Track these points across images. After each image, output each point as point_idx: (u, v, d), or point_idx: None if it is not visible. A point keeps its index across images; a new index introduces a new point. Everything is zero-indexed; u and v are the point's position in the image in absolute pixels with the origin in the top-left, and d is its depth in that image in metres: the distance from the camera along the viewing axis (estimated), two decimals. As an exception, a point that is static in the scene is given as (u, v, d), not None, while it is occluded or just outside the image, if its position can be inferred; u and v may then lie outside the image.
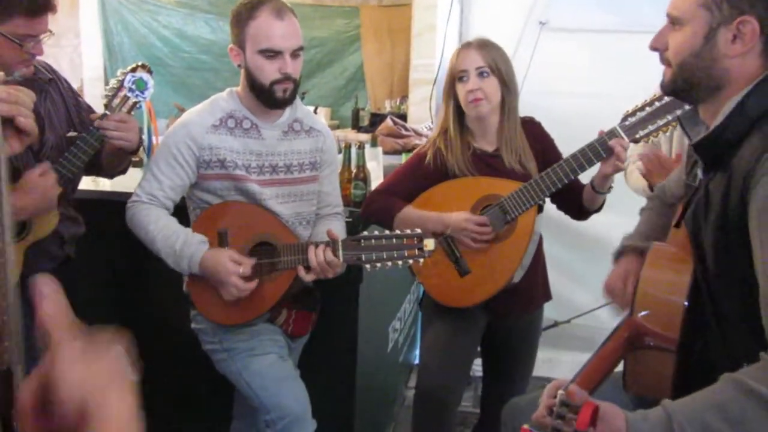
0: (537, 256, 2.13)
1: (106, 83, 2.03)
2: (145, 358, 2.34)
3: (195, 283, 1.86)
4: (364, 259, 1.79)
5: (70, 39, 6.14)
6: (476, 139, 2.07)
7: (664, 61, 1.25)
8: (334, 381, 2.34)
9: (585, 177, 2.02)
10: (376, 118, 4.59)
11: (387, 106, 5.21)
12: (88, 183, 2.24)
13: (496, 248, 2.02)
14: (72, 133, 1.94)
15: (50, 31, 1.80)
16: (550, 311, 3.27)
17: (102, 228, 2.10)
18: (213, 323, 1.90)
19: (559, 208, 2.18)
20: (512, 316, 2.15)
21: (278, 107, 1.87)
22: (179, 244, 1.78)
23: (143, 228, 1.81)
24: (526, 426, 0.97)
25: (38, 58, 1.87)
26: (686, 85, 1.21)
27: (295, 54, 1.80)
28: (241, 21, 1.80)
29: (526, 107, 2.94)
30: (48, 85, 1.95)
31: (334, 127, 5.33)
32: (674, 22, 1.20)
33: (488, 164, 2.05)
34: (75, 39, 6.15)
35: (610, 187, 2.01)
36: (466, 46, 2.02)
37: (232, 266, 1.76)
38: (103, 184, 2.42)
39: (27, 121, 0.98)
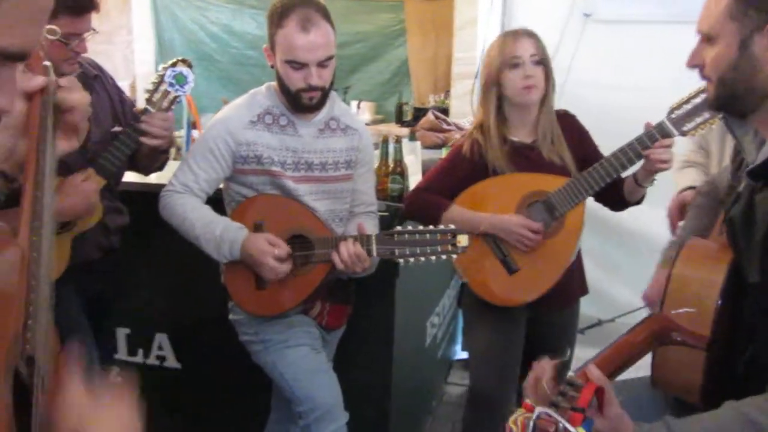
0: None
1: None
2: (185, 347, 2.41)
3: (231, 274, 1.89)
4: (397, 253, 1.79)
5: (122, 36, 6.31)
6: (513, 130, 2.04)
7: (705, 77, 1.21)
8: (370, 374, 2.35)
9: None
10: (420, 113, 4.57)
11: (431, 101, 5.17)
12: (133, 175, 2.31)
13: (544, 245, 2.00)
14: (117, 128, 2.00)
15: (94, 30, 1.86)
16: (593, 308, 3.22)
17: (146, 219, 2.16)
18: (249, 314, 1.93)
19: (597, 200, 2.14)
20: (551, 311, 2.12)
21: (305, 112, 1.88)
22: (219, 230, 1.81)
23: (179, 216, 1.84)
24: (528, 401, 0.97)
25: (84, 55, 1.94)
26: (731, 99, 1.17)
27: (322, 64, 1.79)
28: (272, 25, 1.81)
29: (570, 100, 2.89)
30: (93, 82, 2.01)
31: (378, 122, 5.34)
32: (706, 38, 1.17)
33: (526, 156, 2.02)
34: (128, 36, 6.31)
35: (653, 180, 1.96)
36: (515, 34, 2.01)
37: (269, 247, 1.78)
38: (148, 177, 2.49)
39: (80, 119, 1.02)
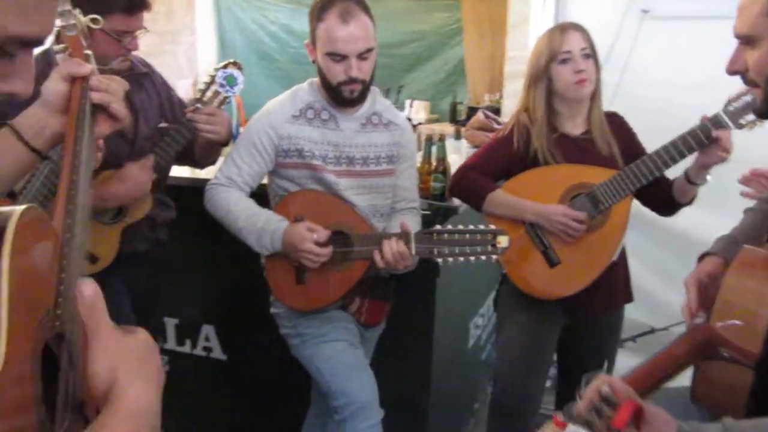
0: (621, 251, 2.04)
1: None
2: (230, 339, 2.46)
3: (272, 268, 1.92)
4: (436, 252, 1.79)
5: (186, 36, 6.51)
6: (563, 123, 2.01)
7: (750, 82, 1.15)
8: (409, 373, 2.34)
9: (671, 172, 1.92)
10: (474, 112, 4.53)
11: (486, 100, 5.12)
12: (180, 170, 2.37)
13: (587, 239, 1.96)
14: (163, 124, 2.06)
15: (145, 28, 1.93)
16: (646, 316, 3.12)
17: (192, 213, 2.22)
18: (288, 308, 1.96)
19: (645, 203, 2.07)
20: (591, 315, 2.06)
21: (346, 106, 1.89)
22: (261, 222, 1.85)
23: (223, 208, 1.89)
24: (557, 415, 0.93)
25: (146, 55, 2.01)
26: None
27: (362, 56, 1.80)
28: (313, 20, 1.84)
29: (625, 100, 2.82)
30: (143, 79, 2.08)
31: (432, 121, 5.32)
32: (746, 40, 1.11)
33: (577, 147, 1.99)
34: (191, 36, 6.50)
35: (706, 178, 1.89)
36: (565, 28, 1.98)
37: (308, 233, 1.80)
38: (194, 172, 2.56)
39: (118, 107, 1.05)
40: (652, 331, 3.08)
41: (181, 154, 2.05)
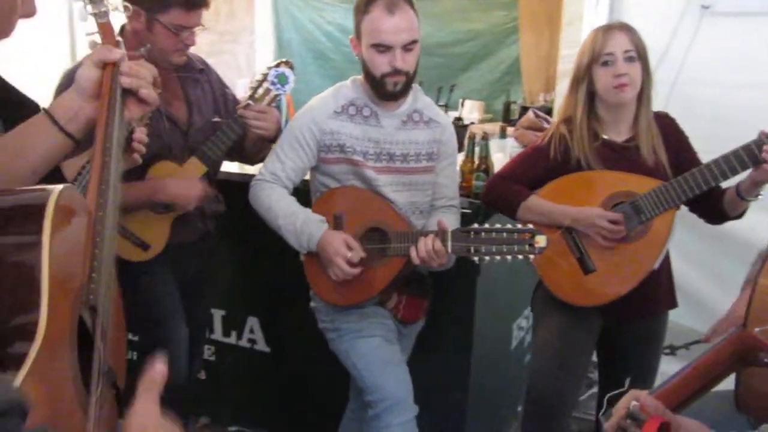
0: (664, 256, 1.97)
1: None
2: (274, 332, 2.49)
3: (310, 264, 1.95)
4: (472, 251, 1.78)
5: (246, 36, 6.65)
6: (605, 128, 1.95)
7: None
8: (448, 371, 2.33)
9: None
10: (526, 112, 4.47)
11: (541, 100, 5.04)
12: (230, 166, 2.43)
13: (625, 248, 1.91)
14: (216, 119, 2.13)
15: (203, 25, 1.99)
16: (697, 323, 2.99)
17: (241, 207, 2.27)
18: (326, 303, 1.98)
19: (693, 210, 2.00)
20: (630, 320, 2.00)
21: (389, 99, 1.89)
22: (300, 222, 1.87)
23: (265, 205, 1.92)
24: None
25: (192, 50, 2.07)
26: None
27: (407, 48, 1.81)
28: (358, 14, 1.86)
29: (681, 100, 2.72)
30: (199, 75, 2.15)
31: (486, 121, 5.27)
32: None
33: (619, 154, 1.93)
34: (250, 36, 6.65)
35: (759, 195, 1.81)
36: (609, 28, 1.92)
37: (343, 249, 1.82)
38: (244, 168, 2.61)
39: (148, 92, 1.09)
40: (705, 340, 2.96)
41: (233, 150, 2.11)
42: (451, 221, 1.95)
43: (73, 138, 1.02)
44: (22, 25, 0.99)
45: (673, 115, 2.05)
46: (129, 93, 1.08)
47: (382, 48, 1.80)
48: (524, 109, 4.80)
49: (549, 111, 3.72)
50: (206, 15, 2.00)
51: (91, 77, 1.03)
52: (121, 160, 1.65)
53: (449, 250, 1.79)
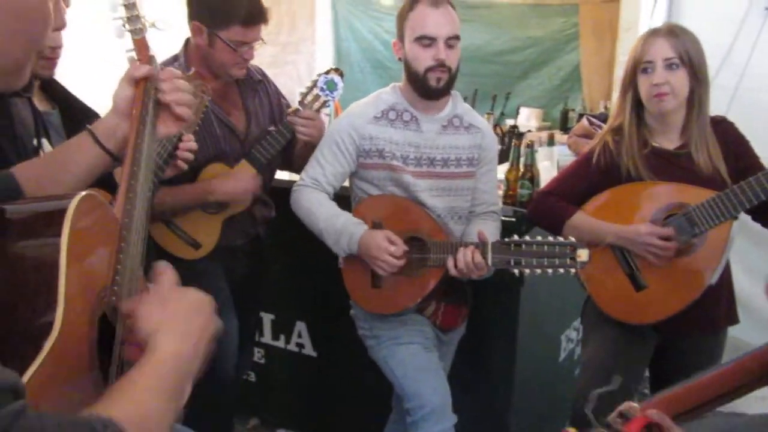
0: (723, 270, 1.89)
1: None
2: (321, 337, 2.52)
3: (349, 271, 1.97)
4: (512, 263, 1.76)
5: (307, 46, 6.80)
6: (655, 136, 1.89)
7: None
8: (492, 381, 2.31)
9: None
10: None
11: (601, 107, 4.92)
12: (282, 173, 2.49)
13: (679, 263, 1.83)
14: (271, 128, 2.19)
15: (262, 39, 2.06)
16: (762, 339, 2.85)
17: (291, 213, 2.32)
18: (364, 311, 2.00)
19: (755, 219, 1.90)
20: (688, 336, 1.92)
21: (432, 97, 1.90)
22: (340, 223, 1.90)
23: (306, 210, 1.96)
24: (569, 429, 0.90)
25: (251, 62, 2.15)
26: None
27: (449, 43, 1.84)
28: (402, 15, 1.90)
29: (744, 104, 2.62)
30: (258, 86, 2.22)
31: (545, 129, 5.19)
32: None
33: (670, 163, 1.86)
34: (312, 46, 6.78)
35: None
36: (653, 34, 1.84)
37: (386, 244, 1.83)
38: (294, 176, 2.66)
39: (182, 110, 1.14)
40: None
41: (284, 159, 2.17)
42: (492, 229, 1.94)
43: (112, 154, 1.09)
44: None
45: (735, 119, 1.96)
46: (166, 109, 1.13)
47: (426, 41, 1.82)
48: (582, 117, 4.71)
49: (607, 119, 3.63)
50: (269, 27, 2.07)
51: (125, 95, 1.10)
52: (164, 169, 1.73)
53: (489, 263, 1.78)
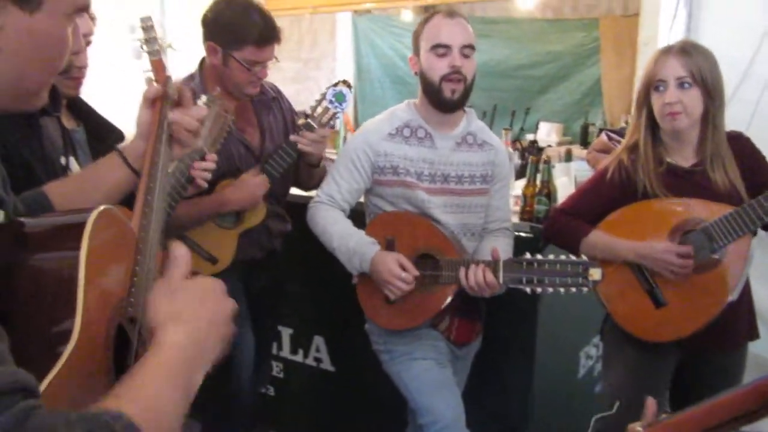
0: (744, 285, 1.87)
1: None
2: (339, 352, 2.54)
3: (362, 288, 1.98)
4: (524, 282, 1.77)
5: (328, 62, 6.89)
6: (670, 153, 1.88)
7: None
8: (509, 397, 2.30)
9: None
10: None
11: (622, 122, 4.90)
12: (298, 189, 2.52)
13: (699, 279, 1.82)
14: (283, 144, 2.22)
15: (276, 58, 2.10)
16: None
17: (308, 228, 2.35)
18: (378, 326, 2.01)
19: None
20: (708, 353, 1.90)
21: (446, 110, 1.91)
22: (353, 242, 1.91)
23: (321, 227, 1.98)
24: None
25: (265, 80, 2.19)
26: None
27: (464, 53, 1.85)
28: (417, 31, 1.93)
29: (764, 118, 2.59)
30: (272, 103, 2.26)
31: (565, 143, 5.18)
32: None
33: (686, 180, 1.85)
34: (333, 62, 6.88)
35: None
36: (665, 52, 1.84)
37: (397, 269, 1.84)
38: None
39: (184, 138, 1.20)
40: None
41: (295, 175, 2.20)
42: (504, 246, 1.95)
43: (138, 174, 1.13)
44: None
45: (757, 133, 1.94)
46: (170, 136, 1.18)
47: (442, 49, 1.84)
48: (602, 132, 4.69)
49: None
50: (291, 44, 2.12)
51: (145, 119, 1.15)
52: (186, 187, 1.77)
53: (500, 281, 1.78)
